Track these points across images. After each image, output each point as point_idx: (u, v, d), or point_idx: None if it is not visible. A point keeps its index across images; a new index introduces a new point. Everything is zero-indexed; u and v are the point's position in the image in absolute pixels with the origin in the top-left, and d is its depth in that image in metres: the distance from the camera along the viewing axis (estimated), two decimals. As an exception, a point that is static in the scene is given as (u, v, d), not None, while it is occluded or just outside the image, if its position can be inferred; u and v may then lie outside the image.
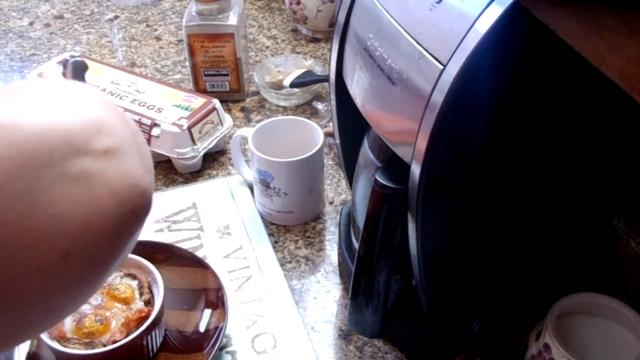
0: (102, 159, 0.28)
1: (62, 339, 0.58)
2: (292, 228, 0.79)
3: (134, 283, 0.63)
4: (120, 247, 0.29)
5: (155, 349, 0.62)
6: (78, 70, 0.46)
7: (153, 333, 0.60)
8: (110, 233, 0.28)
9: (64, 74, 0.46)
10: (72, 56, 0.47)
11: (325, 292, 0.71)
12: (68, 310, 0.29)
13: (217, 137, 0.88)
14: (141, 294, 0.63)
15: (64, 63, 0.46)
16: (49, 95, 0.29)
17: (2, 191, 0.24)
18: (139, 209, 0.29)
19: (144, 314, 0.60)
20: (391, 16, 0.48)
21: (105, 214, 0.27)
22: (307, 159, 0.75)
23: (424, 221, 0.50)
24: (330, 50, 0.77)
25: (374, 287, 0.54)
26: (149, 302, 0.62)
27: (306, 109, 0.98)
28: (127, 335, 0.59)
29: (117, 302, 0.61)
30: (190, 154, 0.84)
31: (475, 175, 0.51)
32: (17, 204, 0.24)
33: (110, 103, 0.32)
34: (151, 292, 0.63)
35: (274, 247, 0.76)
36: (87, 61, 0.95)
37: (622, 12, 0.30)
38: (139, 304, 0.62)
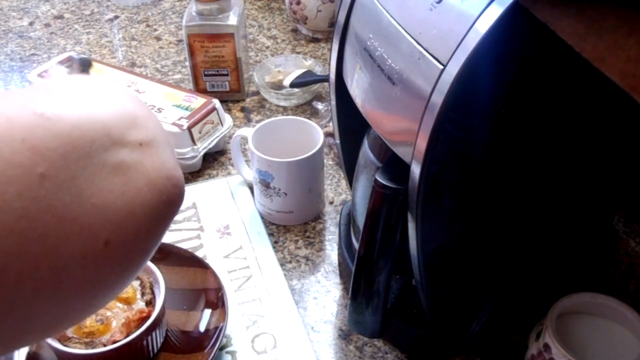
0: (138, 150, 0.28)
1: (62, 338, 0.58)
2: (292, 228, 0.79)
3: (136, 283, 0.63)
4: (156, 235, 0.30)
5: (155, 350, 0.62)
6: (84, 68, 0.47)
7: (153, 334, 0.60)
8: (148, 222, 0.28)
9: (69, 72, 0.47)
10: (77, 54, 0.48)
11: (325, 292, 0.72)
12: (107, 298, 0.30)
13: (217, 137, 0.88)
14: (143, 294, 0.63)
15: (70, 60, 0.47)
16: (84, 90, 0.30)
17: (48, 181, 0.24)
18: (173, 199, 0.30)
19: (144, 314, 0.60)
20: (391, 16, 0.48)
21: (143, 204, 0.28)
22: (307, 159, 0.75)
23: (424, 221, 0.50)
24: (330, 50, 0.77)
25: (374, 287, 0.54)
26: (150, 303, 0.62)
27: (306, 109, 0.98)
28: (127, 335, 0.59)
29: (119, 302, 0.61)
30: (190, 154, 0.84)
31: (476, 176, 0.51)
32: (62, 194, 0.25)
33: (138, 98, 0.33)
34: (153, 292, 0.63)
35: (274, 247, 0.76)
36: (87, 61, 0.95)
37: (622, 12, 0.30)
38: (140, 304, 0.62)
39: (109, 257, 0.27)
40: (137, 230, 0.28)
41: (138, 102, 0.32)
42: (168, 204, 0.30)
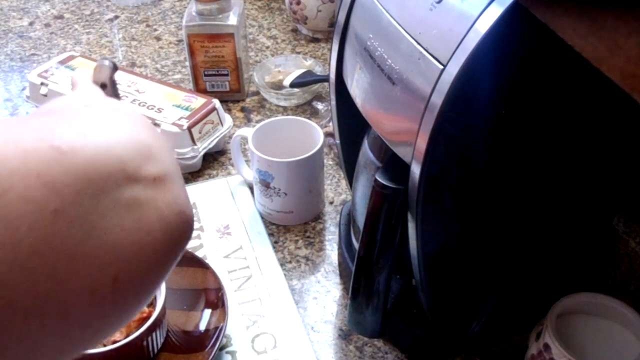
0: (151, 186, 0.28)
1: (62, 339, 0.58)
2: (292, 228, 0.79)
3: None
4: (164, 270, 0.30)
5: (156, 350, 0.62)
6: (112, 72, 0.48)
7: (154, 334, 0.60)
8: (157, 258, 0.29)
9: (97, 78, 0.48)
10: (105, 58, 0.49)
11: (325, 292, 0.71)
12: (114, 329, 0.30)
13: (217, 137, 0.88)
14: (142, 295, 0.63)
15: (99, 66, 0.48)
16: (102, 118, 0.30)
17: (60, 217, 0.24)
18: (183, 236, 0.30)
19: (145, 314, 0.60)
20: (391, 16, 0.48)
21: (154, 241, 0.28)
22: (307, 159, 0.75)
23: (424, 221, 0.50)
24: (330, 50, 0.77)
25: (374, 287, 0.54)
26: (151, 303, 0.62)
27: (306, 109, 0.98)
28: (128, 335, 0.59)
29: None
30: (190, 154, 0.84)
31: (475, 175, 0.51)
32: (75, 230, 0.25)
33: (153, 126, 0.33)
34: (152, 292, 0.63)
35: (274, 247, 0.76)
36: (88, 61, 0.95)
37: (622, 12, 0.30)
38: (139, 304, 0.62)
39: (116, 292, 0.27)
40: (146, 266, 0.28)
41: (153, 132, 0.32)
42: (178, 241, 0.30)
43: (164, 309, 0.61)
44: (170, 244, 0.29)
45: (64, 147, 0.26)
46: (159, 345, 0.62)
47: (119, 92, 0.51)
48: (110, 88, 0.49)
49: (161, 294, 0.62)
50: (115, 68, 0.49)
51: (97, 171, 0.26)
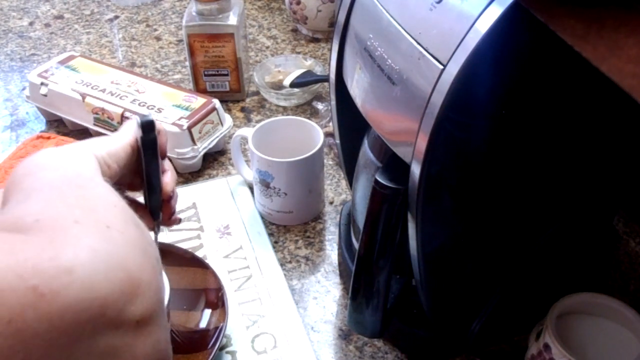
0: (132, 331, 0.26)
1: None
2: (292, 228, 0.79)
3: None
4: None
5: (155, 349, 0.62)
6: (145, 130, 0.46)
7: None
8: None
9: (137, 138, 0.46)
10: (142, 115, 0.46)
11: (325, 292, 0.71)
12: None
13: (217, 137, 0.88)
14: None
15: (138, 123, 0.46)
16: (91, 244, 0.27)
17: None
18: None
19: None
20: (391, 16, 0.48)
21: None
22: (307, 159, 0.75)
23: (424, 221, 0.50)
24: (330, 50, 0.77)
25: (374, 287, 0.54)
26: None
27: (306, 109, 0.98)
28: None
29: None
30: (190, 154, 0.84)
31: (475, 175, 0.51)
32: None
33: (147, 244, 0.29)
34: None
35: (274, 247, 0.76)
36: (88, 61, 0.95)
37: (622, 12, 0.30)
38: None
39: None
40: None
41: (145, 257, 0.29)
42: None
43: (167, 309, 0.61)
44: None
45: (44, 288, 0.23)
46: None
47: (156, 147, 0.48)
48: (141, 146, 0.46)
49: (166, 295, 0.61)
50: (146, 126, 0.45)
51: (74, 318, 0.24)
